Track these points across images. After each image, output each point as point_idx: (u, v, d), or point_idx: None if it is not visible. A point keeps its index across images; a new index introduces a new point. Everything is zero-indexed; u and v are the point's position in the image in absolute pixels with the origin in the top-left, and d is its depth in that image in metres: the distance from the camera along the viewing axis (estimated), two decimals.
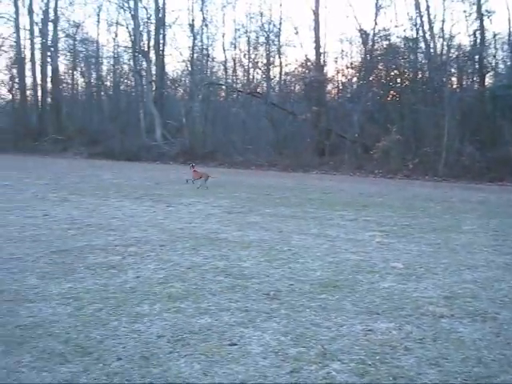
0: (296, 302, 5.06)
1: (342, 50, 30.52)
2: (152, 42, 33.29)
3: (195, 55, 33.26)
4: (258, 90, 31.20)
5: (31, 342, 4.02)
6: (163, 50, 33.40)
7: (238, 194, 13.89)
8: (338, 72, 30.50)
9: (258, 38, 32.23)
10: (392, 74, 27.60)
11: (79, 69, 38.74)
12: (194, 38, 32.87)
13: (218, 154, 27.42)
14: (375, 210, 11.71)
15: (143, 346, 3.97)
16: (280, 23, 31.28)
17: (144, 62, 33.35)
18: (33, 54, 36.14)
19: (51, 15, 35.23)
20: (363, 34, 28.43)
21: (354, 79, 30.13)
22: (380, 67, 28.27)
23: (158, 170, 22.30)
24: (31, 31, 35.82)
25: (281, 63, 31.90)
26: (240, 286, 5.51)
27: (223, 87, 33.37)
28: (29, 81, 36.70)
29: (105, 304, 4.84)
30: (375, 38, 28.24)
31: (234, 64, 33.65)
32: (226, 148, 27.62)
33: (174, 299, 5.01)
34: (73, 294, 5.12)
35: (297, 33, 35.05)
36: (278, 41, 31.69)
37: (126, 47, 35.68)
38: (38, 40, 36.14)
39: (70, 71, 38.63)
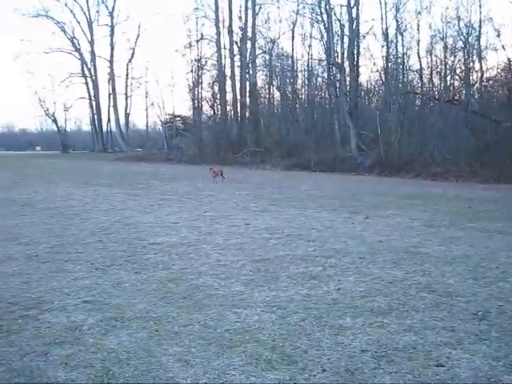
0: (508, 324, 4.71)
1: None
2: (346, 54, 33.51)
3: (390, 64, 32.85)
4: (457, 97, 29.89)
5: (240, 346, 4.21)
6: (357, 61, 33.41)
7: (437, 206, 13.36)
8: None
9: (455, 42, 30.96)
10: None
11: (275, 83, 40.23)
12: (388, 47, 32.51)
13: (414, 165, 26.66)
14: None
15: (347, 360, 3.95)
16: (480, 26, 29.68)
17: (338, 74, 33.63)
18: (232, 71, 38.47)
19: (249, 34, 37.17)
20: None
21: None
22: None
23: (353, 181, 22.28)
24: (231, 50, 38.18)
25: (481, 68, 30.24)
26: (445, 303, 5.27)
27: (419, 96, 32.48)
28: (229, 96, 39.04)
29: (308, 314, 4.92)
30: None
31: (431, 71, 32.66)
32: (423, 158, 26.75)
33: (376, 314, 4.94)
34: (277, 303, 5.27)
35: (498, 35, 32.90)
36: (478, 44, 30.13)
37: (319, 60, 36.40)
38: (237, 58, 38.34)
39: (267, 86, 40.36)
